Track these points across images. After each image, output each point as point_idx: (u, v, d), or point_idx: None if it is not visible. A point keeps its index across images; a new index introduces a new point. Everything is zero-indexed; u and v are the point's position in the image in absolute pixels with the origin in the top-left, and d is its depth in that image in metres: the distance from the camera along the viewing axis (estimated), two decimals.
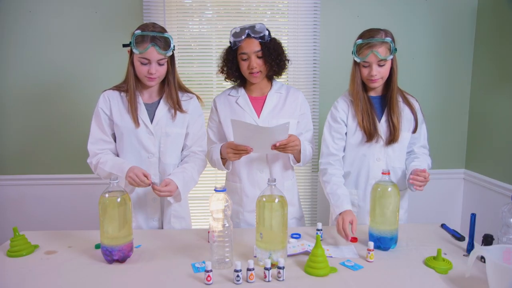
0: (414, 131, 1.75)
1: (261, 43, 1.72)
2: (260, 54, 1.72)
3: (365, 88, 1.74)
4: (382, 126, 1.72)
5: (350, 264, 1.33)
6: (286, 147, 1.62)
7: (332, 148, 1.76)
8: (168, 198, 1.65)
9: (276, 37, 1.81)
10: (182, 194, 1.65)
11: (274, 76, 1.85)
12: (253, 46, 1.71)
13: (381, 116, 1.73)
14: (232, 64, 1.77)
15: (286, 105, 1.81)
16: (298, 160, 1.77)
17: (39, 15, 2.54)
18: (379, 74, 1.65)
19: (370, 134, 1.70)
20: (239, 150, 1.63)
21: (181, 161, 1.78)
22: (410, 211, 1.90)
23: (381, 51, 1.62)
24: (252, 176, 1.81)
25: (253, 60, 1.72)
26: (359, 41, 1.66)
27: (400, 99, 1.74)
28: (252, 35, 1.71)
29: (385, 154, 1.74)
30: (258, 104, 1.82)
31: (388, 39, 1.63)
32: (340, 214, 1.56)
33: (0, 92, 2.59)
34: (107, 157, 1.67)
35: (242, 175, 1.82)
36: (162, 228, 1.77)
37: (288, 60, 1.81)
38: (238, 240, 1.50)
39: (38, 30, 2.55)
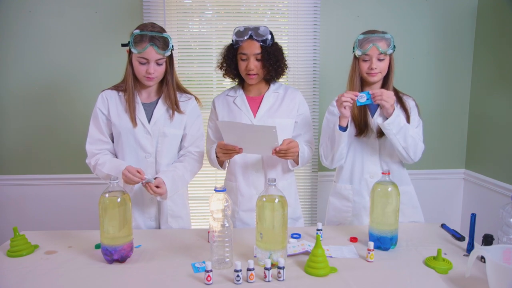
0: None
1: (262, 46, 1.72)
2: (259, 57, 1.73)
3: (362, 87, 1.78)
4: (375, 121, 1.75)
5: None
6: (287, 153, 1.64)
7: None
8: (157, 197, 1.66)
9: (276, 37, 1.82)
10: (169, 193, 1.65)
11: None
12: (253, 48, 1.72)
13: (377, 113, 1.76)
14: (231, 62, 1.79)
15: (283, 105, 1.82)
16: (297, 163, 1.78)
17: (39, 15, 2.54)
18: (379, 68, 1.70)
19: (360, 128, 1.75)
20: (228, 150, 1.65)
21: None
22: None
23: (381, 45, 1.68)
24: (248, 176, 1.82)
25: (252, 62, 1.72)
26: (361, 36, 1.72)
27: (394, 98, 1.76)
28: (255, 37, 1.72)
29: (379, 148, 1.78)
30: (255, 104, 1.83)
31: (388, 35, 1.70)
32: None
33: (0, 92, 2.60)
34: (105, 158, 1.67)
35: (237, 174, 1.83)
36: (159, 227, 1.77)
37: (287, 67, 1.83)
38: (238, 240, 1.50)
39: (38, 30, 2.55)
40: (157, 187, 1.59)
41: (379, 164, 1.79)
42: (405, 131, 1.65)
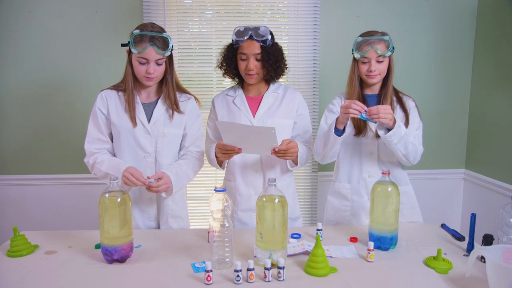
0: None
1: (262, 47, 1.73)
2: (259, 57, 1.73)
3: (362, 87, 1.79)
4: (373, 125, 1.75)
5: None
6: (286, 154, 1.64)
7: None
8: (162, 193, 1.66)
9: (276, 37, 1.82)
10: (174, 188, 1.65)
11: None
12: (253, 48, 1.72)
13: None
14: (231, 62, 1.79)
15: (283, 105, 1.82)
16: (296, 163, 1.78)
17: (39, 15, 2.54)
18: (378, 70, 1.70)
19: (359, 128, 1.76)
20: (227, 150, 1.65)
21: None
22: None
23: (380, 47, 1.68)
24: (246, 176, 1.82)
25: (251, 62, 1.72)
26: (359, 38, 1.72)
27: (394, 98, 1.78)
28: (255, 37, 1.72)
29: (378, 147, 1.78)
30: (254, 104, 1.83)
31: (387, 37, 1.70)
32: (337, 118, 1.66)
33: (0, 92, 2.60)
34: (104, 157, 1.67)
35: (236, 174, 1.83)
36: (159, 227, 1.77)
37: (287, 67, 1.83)
38: (238, 240, 1.50)
39: (38, 30, 2.55)
40: (159, 178, 1.59)
41: (378, 164, 1.79)
42: (406, 139, 1.64)
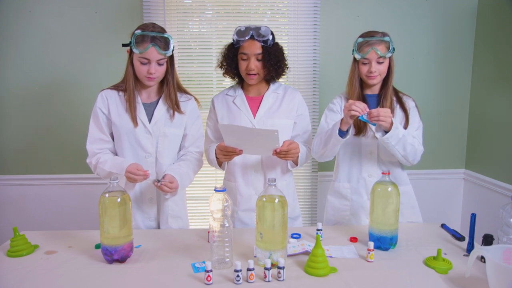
0: (405, 128, 1.76)
1: (263, 47, 1.73)
2: (260, 57, 1.73)
3: (362, 87, 1.79)
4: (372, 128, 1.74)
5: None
6: (287, 154, 1.64)
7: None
8: (166, 195, 1.67)
9: (276, 37, 1.82)
10: (178, 190, 1.66)
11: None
12: (254, 48, 1.72)
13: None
14: (231, 61, 1.79)
15: (283, 106, 1.82)
16: (296, 163, 1.78)
17: (39, 15, 2.54)
18: (378, 71, 1.70)
19: (359, 128, 1.76)
20: (228, 152, 1.65)
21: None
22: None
23: (381, 49, 1.68)
24: (247, 176, 1.82)
25: (252, 62, 1.72)
26: (360, 39, 1.72)
27: (394, 98, 1.78)
28: (256, 37, 1.72)
29: (378, 147, 1.78)
30: (255, 104, 1.83)
31: (387, 38, 1.70)
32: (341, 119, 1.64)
33: (0, 92, 2.60)
34: (107, 157, 1.67)
35: (237, 174, 1.83)
36: (159, 227, 1.77)
37: (288, 67, 1.83)
38: (238, 240, 1.50)
39: (38, 30, 2.55)
40: (170, 183, 1.60)
41: (377, 163, 1.79)
42: (404, 141, 1.64)
